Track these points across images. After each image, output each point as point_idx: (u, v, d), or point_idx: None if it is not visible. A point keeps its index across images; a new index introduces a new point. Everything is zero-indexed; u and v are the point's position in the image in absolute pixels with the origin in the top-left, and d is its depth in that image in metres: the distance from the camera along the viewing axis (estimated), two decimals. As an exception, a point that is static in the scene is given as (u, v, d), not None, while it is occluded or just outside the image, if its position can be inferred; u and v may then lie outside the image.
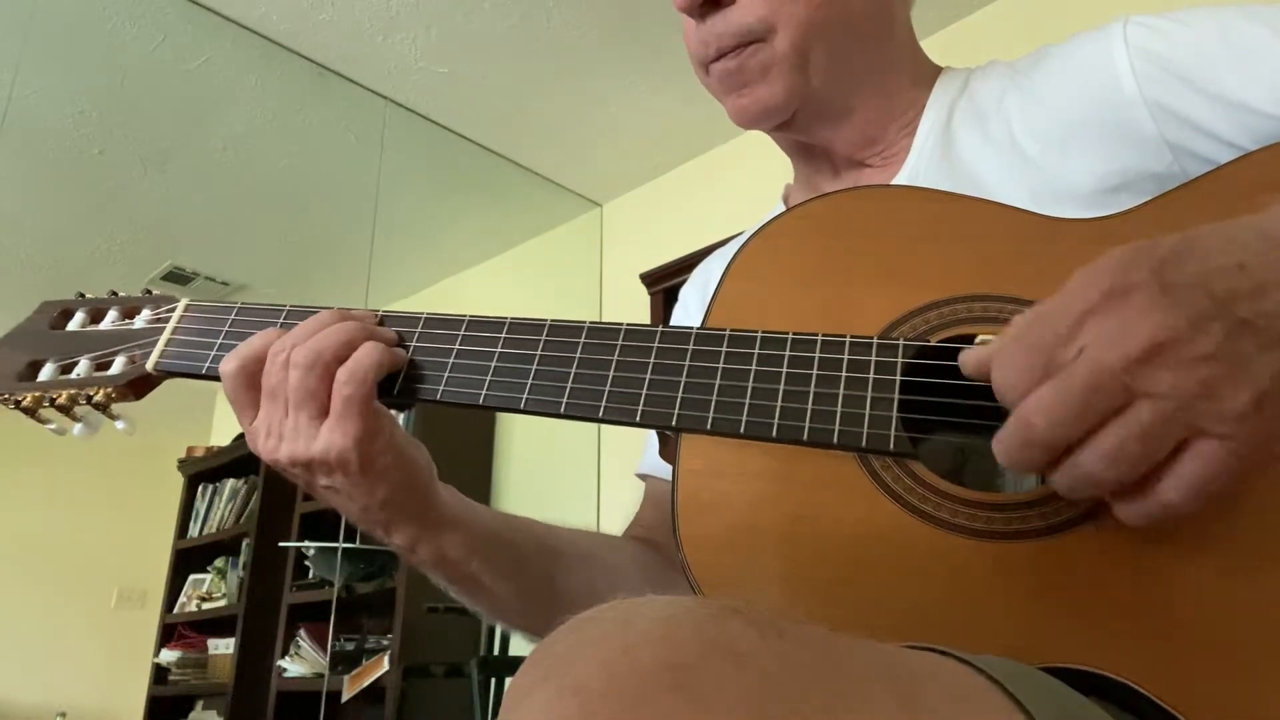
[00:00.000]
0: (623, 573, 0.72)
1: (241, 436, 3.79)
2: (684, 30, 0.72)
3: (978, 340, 0.50)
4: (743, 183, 2.72)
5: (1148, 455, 0.38)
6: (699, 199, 2.94)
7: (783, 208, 0.78)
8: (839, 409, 0.50)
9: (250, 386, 0.59)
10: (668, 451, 0.62)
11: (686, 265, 2.53)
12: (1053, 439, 0.39)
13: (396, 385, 0.59)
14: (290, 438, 0.57)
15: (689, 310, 0.84)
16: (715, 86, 0.71)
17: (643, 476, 0.83)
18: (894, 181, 0.69)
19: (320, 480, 0.58)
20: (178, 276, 3.48)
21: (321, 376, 0.56)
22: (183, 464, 4.15)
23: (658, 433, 0.81)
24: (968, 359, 0.45)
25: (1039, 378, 0.40)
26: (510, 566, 0.66)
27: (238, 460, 3.80)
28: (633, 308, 2.76)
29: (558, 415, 0.56)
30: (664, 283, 2.65)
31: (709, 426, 0.52)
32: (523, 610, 0.68)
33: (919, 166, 0.68)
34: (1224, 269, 0.39)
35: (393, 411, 0.61)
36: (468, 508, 0.65)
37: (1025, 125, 0.64)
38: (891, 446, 0.48)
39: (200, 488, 4.09)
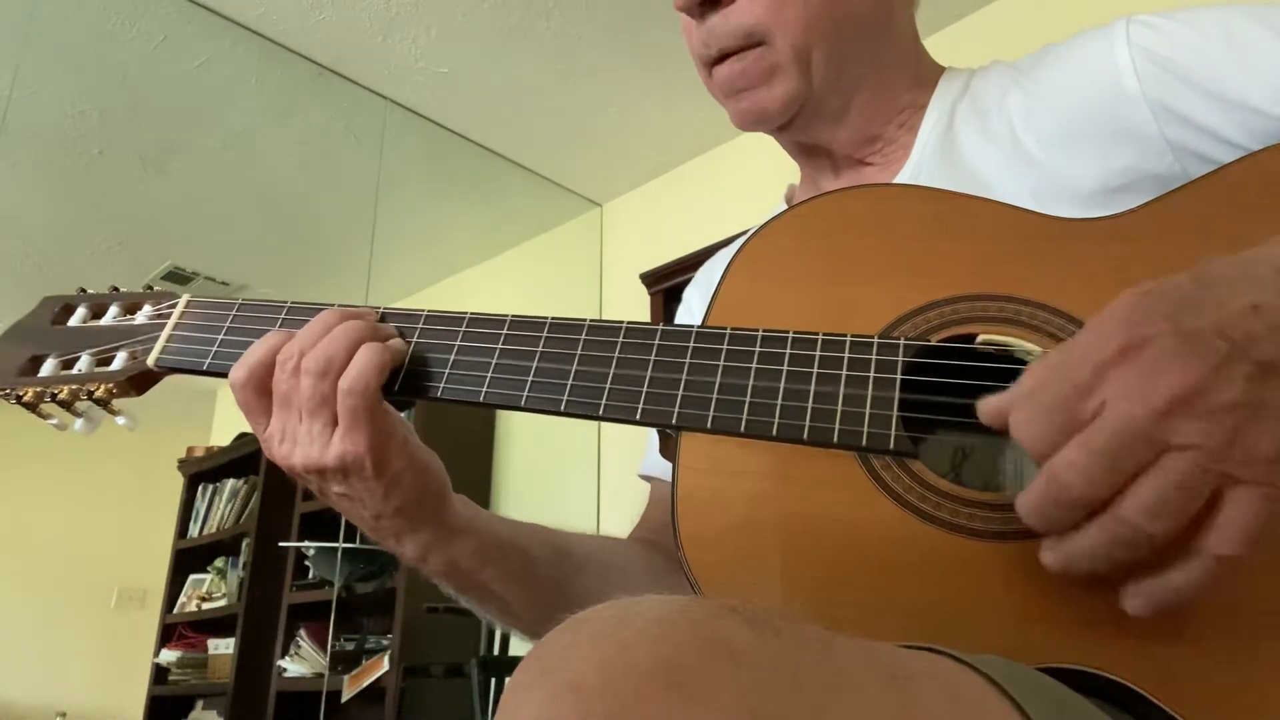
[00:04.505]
0: (631, 576, 0.72)
1: (242, 436, 3.83)
2: (684, 29, 0.72)
3: (978, 341, 0.50)
4: (743, 182, 2.72)
5: (1188, 505, 0.37)
6: (699, 199, 2.94)
7: (785, 208, 0.78)
8: (839, 408, 0.50)
9: (261, 393, 0.58)
10: (668, 450, 0.62)
11: (687, 265, 2.53)
12: (1087, 496, 0.38)
13: (397, 382, 0.59)
14: (305, 444, 0.56)
15: (692, 310, 0.84)
16: (717, 89, 0.71)
17: (646, 478, 0.83)
18: (895, 180, 0.69)
19: (334, 487, 0.58)
20: (178, 276, 3.48)
21: (334, 383, 0.56)
22: (183, 464, 4.15)
23: (658, 431, 0.81)
24: (985, 408, 0.44)
25: (1061, 435, 0.39)
26: (520, 574, 0.66)
27: (238, 460, 3.80)
28: (633, 308, 2.76)
29: (558, 413, 0.56)
30: (664, 283, 2.65)
31: (709, 425, 0.52)
32: (533, 617, 0.68)
33: (921, 165, 0.68)
34: (1240, 311, 0.38)
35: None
36: (478, 515, 0.65)
37: (1027, 124, 0.64)
38: (892, 446, 0.48)
39: (200, 488, 4.09)
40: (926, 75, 0.73)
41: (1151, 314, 0.39)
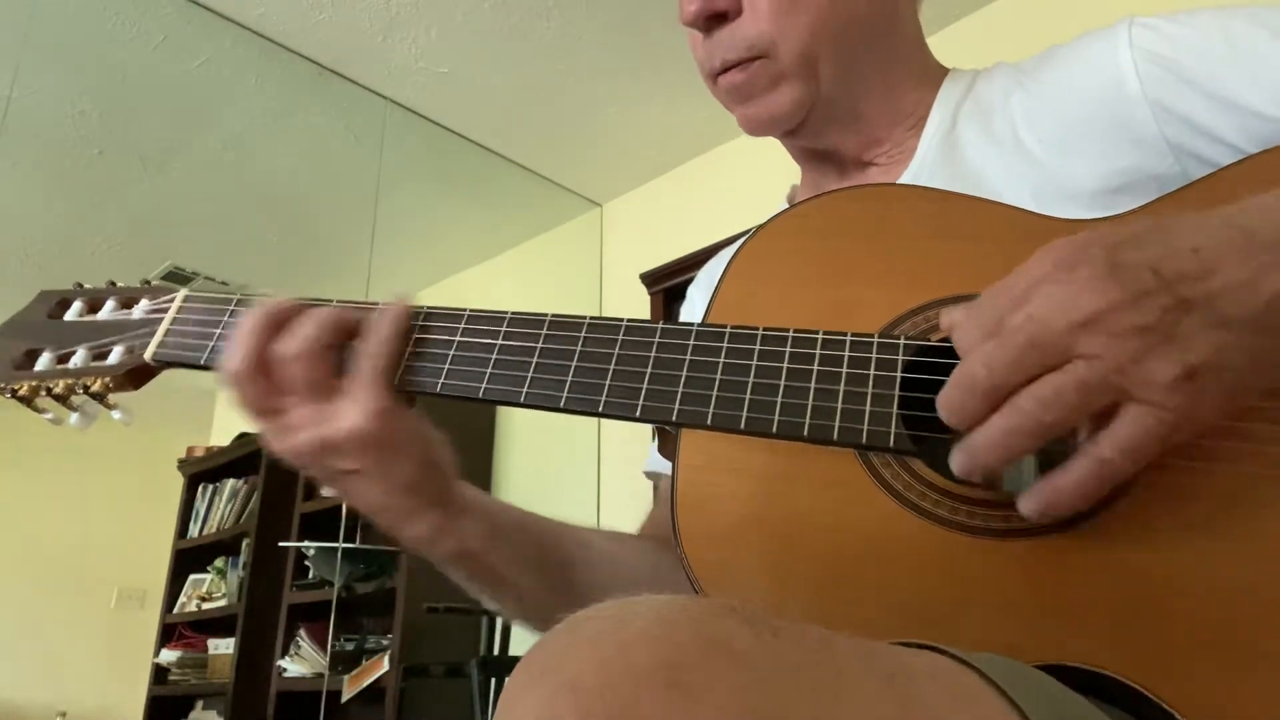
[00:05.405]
0: (639, 570, 0.71)
1: (242, 436, 3.82)
2: (690, 42, 0.72)
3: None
4: (743, 182, 2.72)
5: (1082, 406, 0.40)
6: (699, 199, 2.94)
7: (786, 207, 0.78)
8: (839, 405, 0.50)
9: (263, 389, 0.57)
10: (667, 448, 0.62)
11: (687, 265, 2.52)
12: (992, 387, 0.41)
13: (396, 376, 0.58)
14: (312, 424, 0.56)
15: (695, 309, 0.84)
16: (724, 97, 0.71)
17: (651, 475, 0.83)
18: (898, 181, 0.69)
19: (344, 463, 0.57)
20: (177, 276, 3.49)
21: (324, 360, 0.57)
22: (183, 464, 4.15)
23: (658, 428, 0.81)
24: (942, 319, 0.48)
25: (987, 338, 0.42)
26: (531, 559, 0.65)
27: (238, 460, 3.80)
28: (633, 308, 2.76)
29: (558, 409, 0.55)
30: (664, 283, 2.65)
31: (709, 422, 0.52)
32: (543, 606, 0.67)
33: (923, 166, 0.68)
34: (1177, 251, 0.40)
35: None
36: (486, 498, 0.65)
37: (1029, 124, 0.64)
38: (891, 444, 0.48)
39: (200, 488, 4.09)
40: (931, 76, 0.73)
41: (1095, 244, 0.41)
